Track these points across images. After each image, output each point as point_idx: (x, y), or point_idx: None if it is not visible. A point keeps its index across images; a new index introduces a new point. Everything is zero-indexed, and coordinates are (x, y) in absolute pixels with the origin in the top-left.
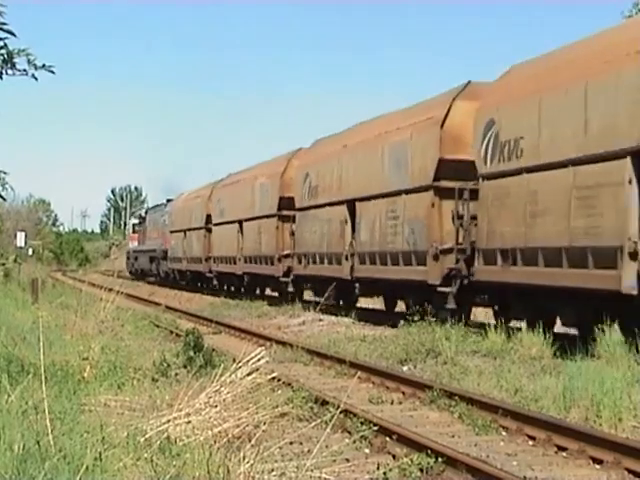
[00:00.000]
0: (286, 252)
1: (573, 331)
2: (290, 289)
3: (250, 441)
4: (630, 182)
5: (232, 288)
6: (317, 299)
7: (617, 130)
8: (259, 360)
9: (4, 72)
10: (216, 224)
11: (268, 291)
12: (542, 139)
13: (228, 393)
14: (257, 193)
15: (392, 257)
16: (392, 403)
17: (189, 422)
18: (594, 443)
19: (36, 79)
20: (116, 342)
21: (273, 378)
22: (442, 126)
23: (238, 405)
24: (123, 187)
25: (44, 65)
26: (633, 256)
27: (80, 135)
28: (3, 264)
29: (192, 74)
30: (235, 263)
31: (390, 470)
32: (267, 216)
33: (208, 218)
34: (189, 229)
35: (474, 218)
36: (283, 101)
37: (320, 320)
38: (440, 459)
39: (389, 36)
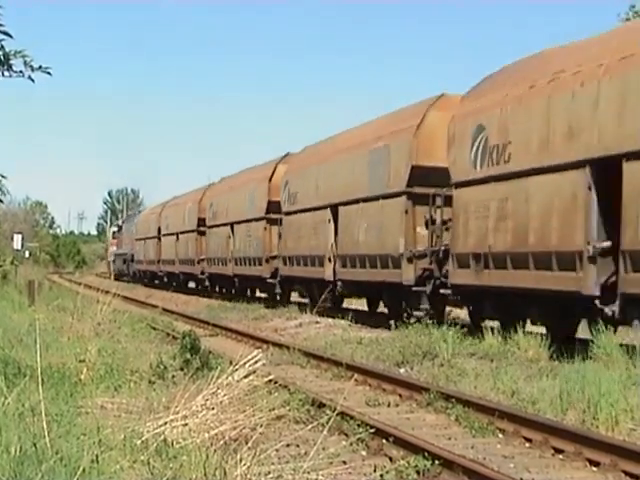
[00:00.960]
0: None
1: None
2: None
3: (247, 443)
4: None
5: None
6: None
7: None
8: (256, 362)
9: (0, 74)
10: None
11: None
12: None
13: (225, 395)
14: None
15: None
16: (389, 405)
17: (186, 424)
18: (591, 445)
19: (33, 81)
20: (113, 344)
21: (270, 380)
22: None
23: (235, 407)
24: (120, 189)
25: (40, 67)
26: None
27: (77, 137)
28: (0, 266)
29: (189, 78)
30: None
31: (387, 472)
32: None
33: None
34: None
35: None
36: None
37: (317, 322)
38: (437, 461)
39: (384, 39)
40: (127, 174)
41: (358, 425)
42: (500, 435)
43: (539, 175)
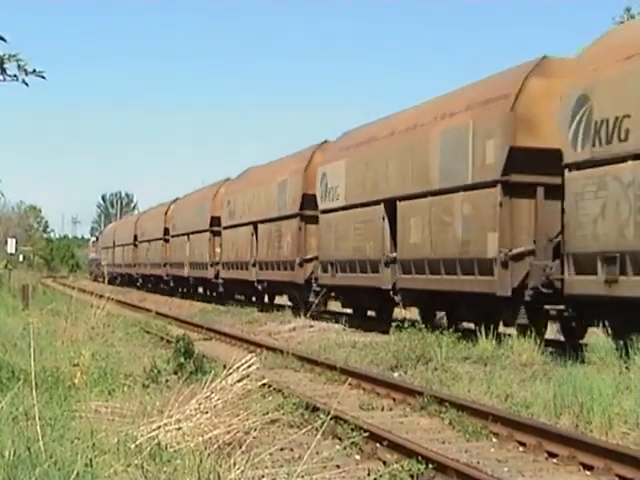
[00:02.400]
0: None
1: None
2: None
3: (241, 447)
4: None
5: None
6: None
7: None
8: (250, 366)
9: None
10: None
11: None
12: None
13: (219, 399)
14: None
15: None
16: (383, 409)
17: (180, 428)
18: (584, 449)
19: (27, 84)
20: (107, 348)
21: (264, 384)
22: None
23: (229, 411)
24: (114, 193)
25: (34, 70)
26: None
27: (71, 141)
28: None
29: (186, 78)
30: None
31: (380, 476)
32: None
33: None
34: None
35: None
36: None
37: (310, 326)
38: (430, 465)
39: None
40: (121, 178)
41: (352, 429)
42: (494, 439)
43: None
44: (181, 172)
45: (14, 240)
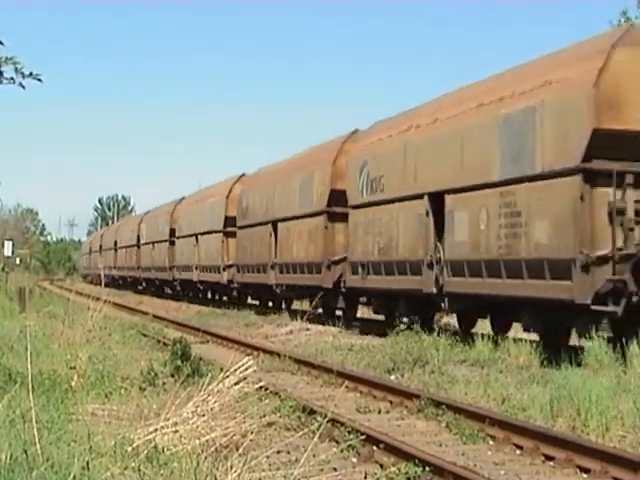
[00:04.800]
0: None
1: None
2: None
3: (237, 450)
4: None
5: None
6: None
7: None
8: (246, 369)
9: None
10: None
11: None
12: None
13: (215, 402)
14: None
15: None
16: (379, 412)
17: (176, 431)
18: (581, 452)
19: (23, 87)
20: (103, 351)
21: (260, 387)
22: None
23: (225, 414)
24: (110, 196)
25: (31, 73)
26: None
27: (68, 144)
28: None
29: (182, 80)
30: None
31: (377, 479)
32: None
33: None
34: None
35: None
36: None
37: (307, 329)
38: (427, 468)
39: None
40: (118, 181)
41: (349, 432)
42: (491, 442)
43: None
44: (178, 175)
45: (11, 243)
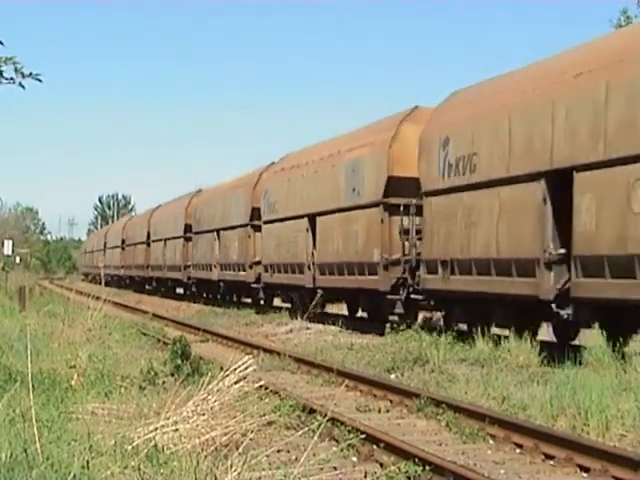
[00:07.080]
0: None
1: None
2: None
3: (238, 449)
4: None
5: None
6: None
7: None
8: (246, 368)
9: None
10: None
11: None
12: None
13: (215, 401)
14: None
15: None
16: (379, 411)
17: (176, 430)
18: (581, 451)
19: (23, 87)
20: (103, 350)
21: (260, 386)
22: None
23: (225, 413)
24: (110, 195)
25: (31, 73)
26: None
27: (67, 143)
28: None
29: (179, 81)
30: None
31: (377, 478)
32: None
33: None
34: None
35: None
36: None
37: (307, 328)
38: (427, 467)
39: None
40: (118, 179)
41: (349, 431)
42: (491, 441)
43: None
44: (178, 173)
45: (11, 242)
